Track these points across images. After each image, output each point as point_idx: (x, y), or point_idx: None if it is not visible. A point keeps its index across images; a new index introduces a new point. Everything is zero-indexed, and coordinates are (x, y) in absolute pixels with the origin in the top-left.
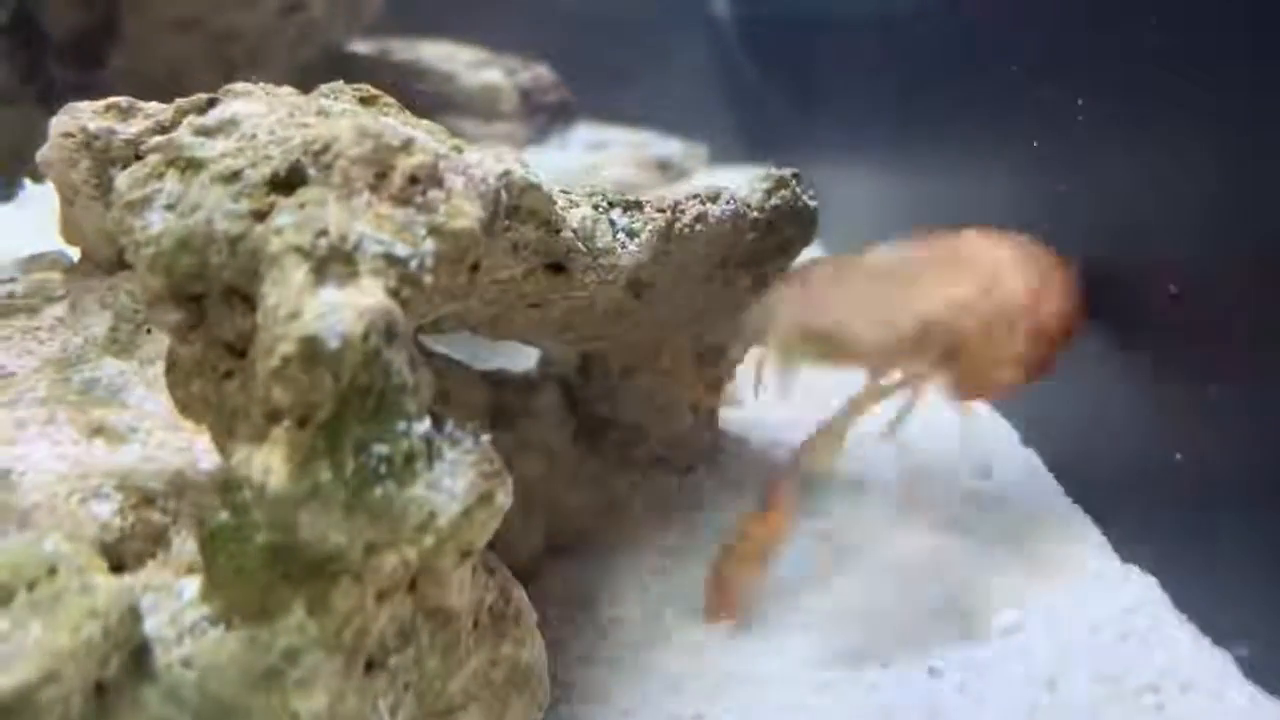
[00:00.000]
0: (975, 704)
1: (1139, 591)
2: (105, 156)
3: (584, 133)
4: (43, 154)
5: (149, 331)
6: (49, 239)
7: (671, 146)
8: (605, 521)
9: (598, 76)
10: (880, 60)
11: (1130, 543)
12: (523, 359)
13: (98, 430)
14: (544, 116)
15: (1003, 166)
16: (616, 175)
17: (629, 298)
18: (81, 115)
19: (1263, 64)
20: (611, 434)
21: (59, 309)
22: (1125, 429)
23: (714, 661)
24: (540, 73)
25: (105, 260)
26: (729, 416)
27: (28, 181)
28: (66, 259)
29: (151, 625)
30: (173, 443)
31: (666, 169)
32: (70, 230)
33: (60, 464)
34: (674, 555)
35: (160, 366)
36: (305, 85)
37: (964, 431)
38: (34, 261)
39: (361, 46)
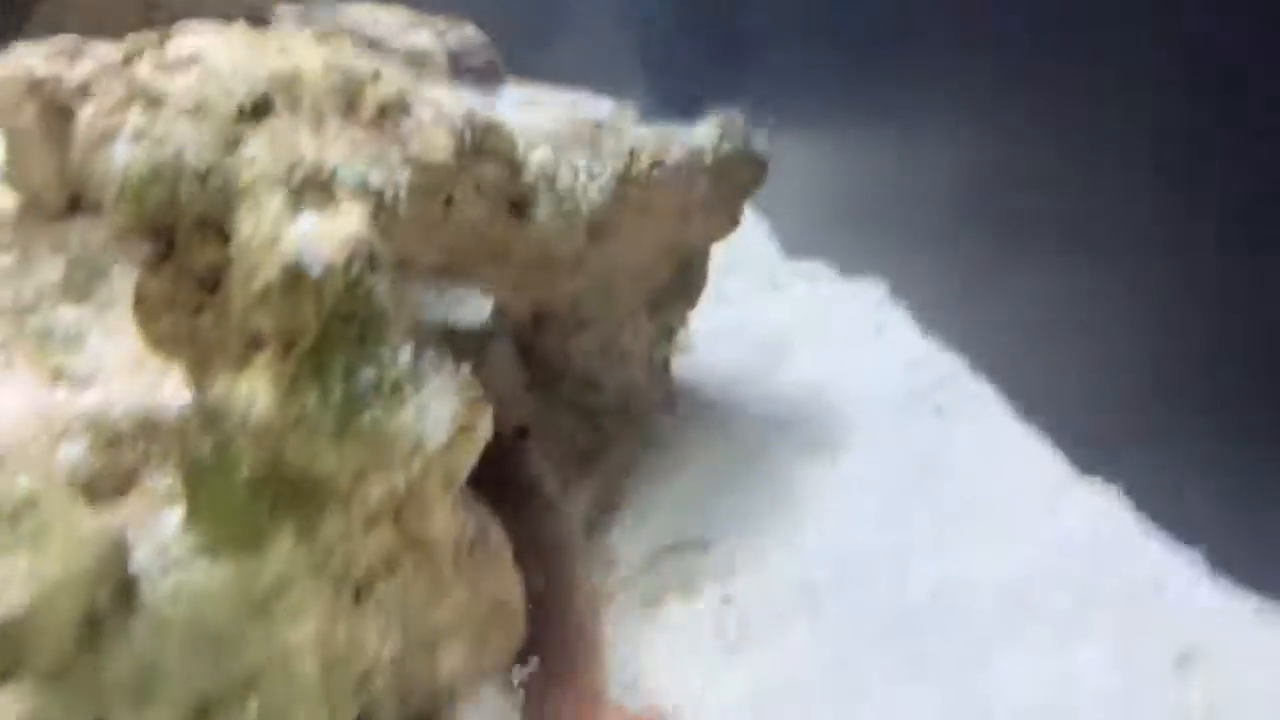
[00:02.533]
0: (952, 618)
1: (1102, 503)
2: (53, 100)
3: (513, 92)
4: None
5: (105, 276)
6: None
7: (603, 106)
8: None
9: (522, 35)
10: (821, 15)
11: (1089, 456)
12: (470, 312)
13: (58, 375)
14: (472, 79)
15: (954, 136)
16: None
17: (588, 245)
18: (26, 58)
19: None
20: (565, 385)
21: (7, 258)
22: (1072, 342)
23: None
24: (468, 34)
25: (55, 208)
26: (681, 363)
27: None
28: (4, 211)
29: (136, 559)
30: (137, 386)
31: (598, 129)
32: (18, 177)
33: (23, 408)
34: (633, 503)
35: (119, 312)
36: None
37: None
38: None
39: (286, 10)
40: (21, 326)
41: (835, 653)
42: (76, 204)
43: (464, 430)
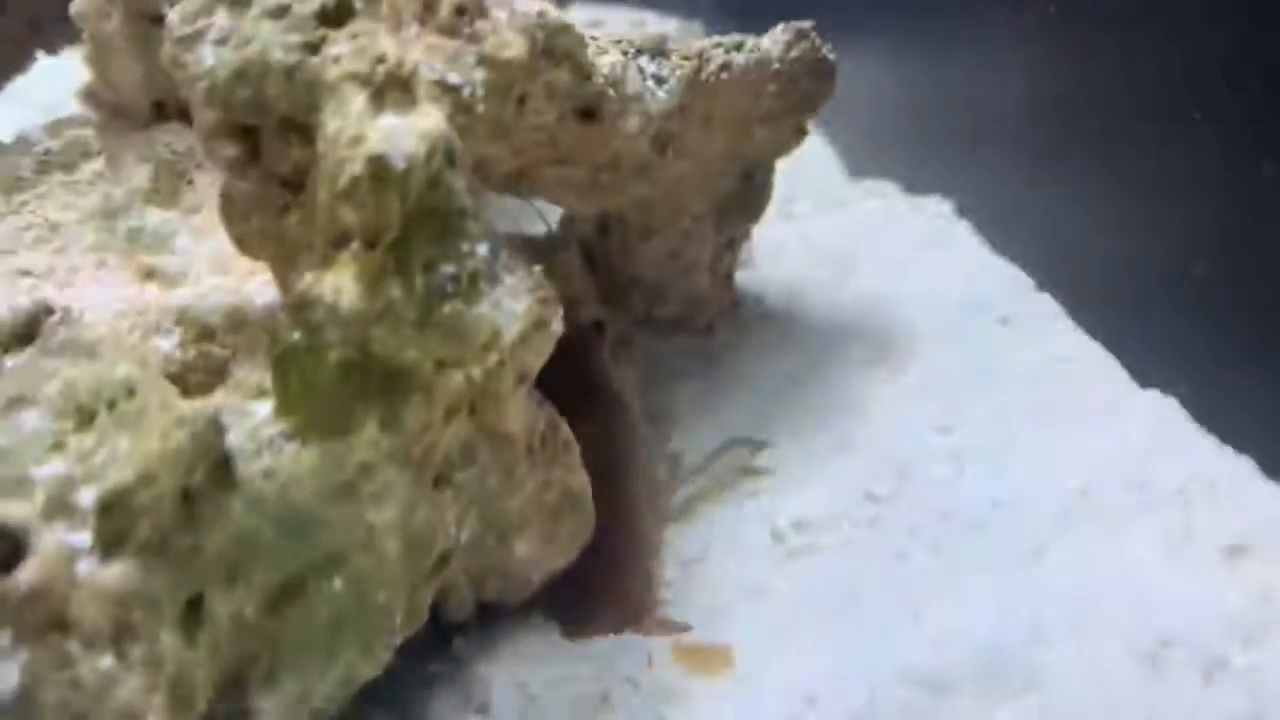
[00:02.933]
0: (1010, 514)
1: (1160, 412)
2: (138, 6)
3: (579, 12)
4: (76, 7)
5: (190, 182)
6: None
7: (668, 25)
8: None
9: None
10: None
11: (1148, 368)
12: (539, 225)
13: (149, 274)
14: None
15: (1020, 54)
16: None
17: (654, 152)
18: None
19: None
20: (631, 294)
21: (96, 164)
22: (1134, 260)
23: None
24: None
25: (141, 113)
26: (745, 276)
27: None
28: (94, 119)
29: (231, 441)
30: (224, 284)
31: (664, 40)
32: (103, 86)
33: (118, 303)
34: (696, 407)
35: (205, 214)
36: None
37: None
38: (62, 123)
39: None
40: (113, 229)
41: (891, 554)
42: (161, 111)
43: (537, 325)
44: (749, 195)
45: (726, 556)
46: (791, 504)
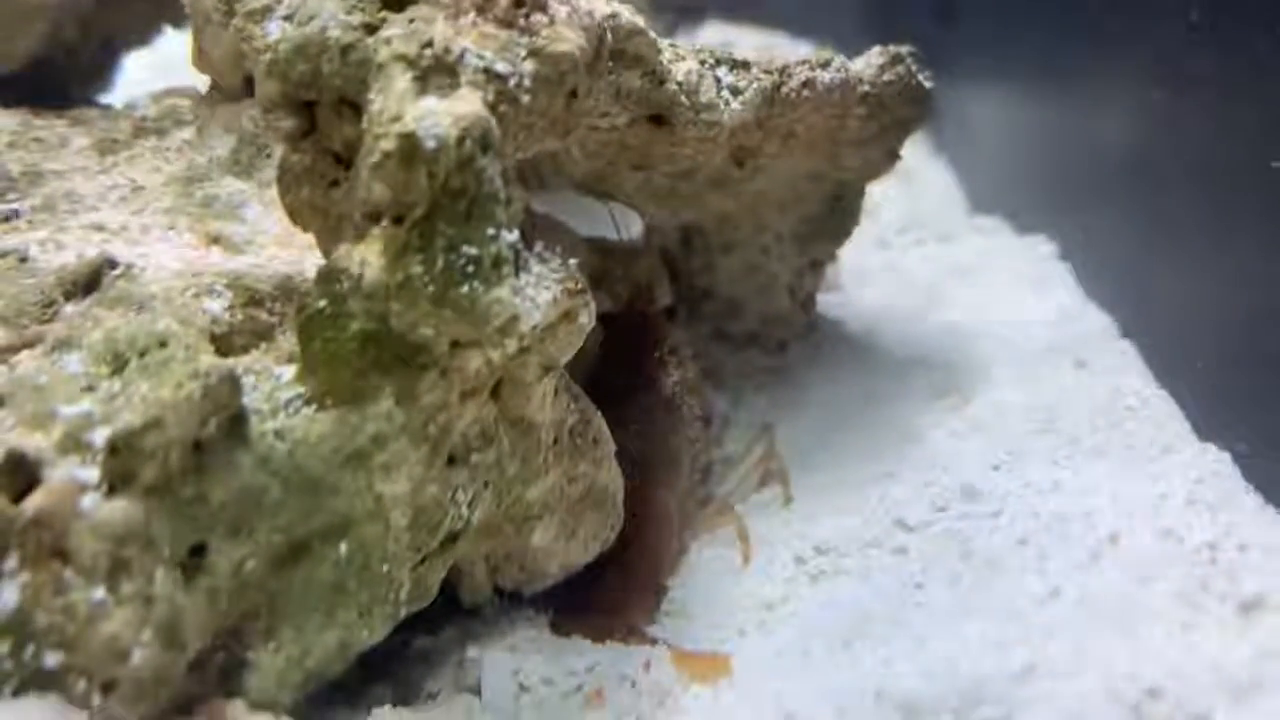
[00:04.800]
0: (1037, 555)
1: (1211, 466)
2: None
3: (711, 32)
4: None
5: (268, 156)
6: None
7: (799, 49)
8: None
9: None
10: None
11: (1210, 424)
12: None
13: (215, 239)
14: (673, 14)
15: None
16: None
17: (732, 165)
18: None
19: None
20: (708, 306)
21: (187, 132)
22: (1218, 319)
23: None
24: None
25: (231, 88)
26: (826, 300)
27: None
28: (197, 91)
29: (249, 400)
30: (284, 256)
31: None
32: (200, 58)
33: (178, 264)
34: (755, 423)
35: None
36: None
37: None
38: (167, 93)
39: None
40: (190, 194)
41: (909, 584)
42: (251, 85)
43: (565, 317)
44: (835, 218)
45: (748, 573)
46: (823, 527)
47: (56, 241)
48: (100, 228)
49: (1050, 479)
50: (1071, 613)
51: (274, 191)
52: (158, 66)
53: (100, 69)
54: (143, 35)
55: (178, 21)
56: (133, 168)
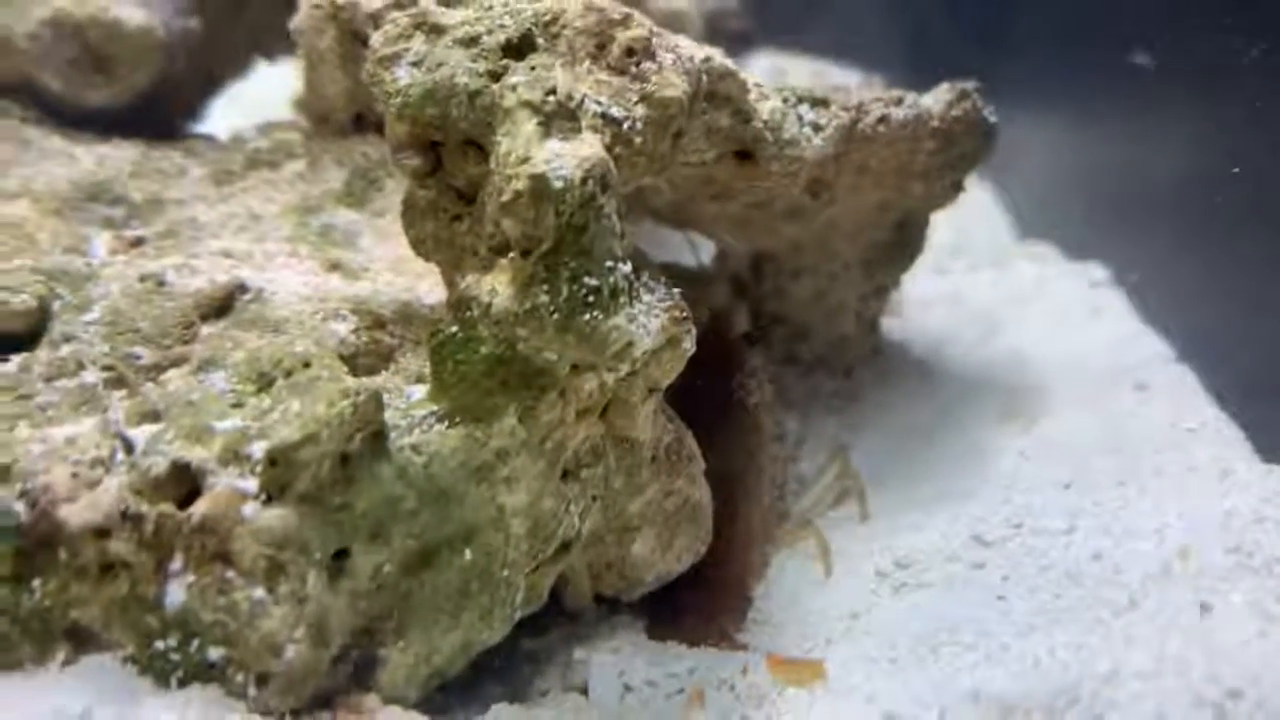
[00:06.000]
0: (1112, 569)
1: (1275, 486)
2: (350, 26)
3: (762, 61)
4: (295, 22)
5: (379, 189)
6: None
7: (848, 77)
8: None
9: (784, 5)
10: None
11: (1272, 446)
12: (694, 254)
13: (335, 266)
14: (724, 43)
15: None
16: None
17: (807, 196)
18: None
19: None
20: (778, 330)
21: (299, 165)
22: (1271, 346)
23: None
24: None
25: (343, 124)
26: (893, 325)
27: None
28: (302, 125)
29: (387, 417)
30: (399, 282)
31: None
32: (312, 95)
33: (304, 289)
34: (828, 445)
35: (389, 219)
36: None
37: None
38: (273, 126)
39: None
40: (307, 223)
41: (989, 595)
42: (361, 122)
43: (670, 342)
44: (900, 246)
45: (831, 584)
46: (902, 541)
47: (190, 266)
48: (228, 254)
49: (1119, 497)
50: (1149, 621)
51: (385, 221)
52: (232, 99)
53: (200, 101)
54: (240, 69)
55: (272, 56)
56: (249, 198)
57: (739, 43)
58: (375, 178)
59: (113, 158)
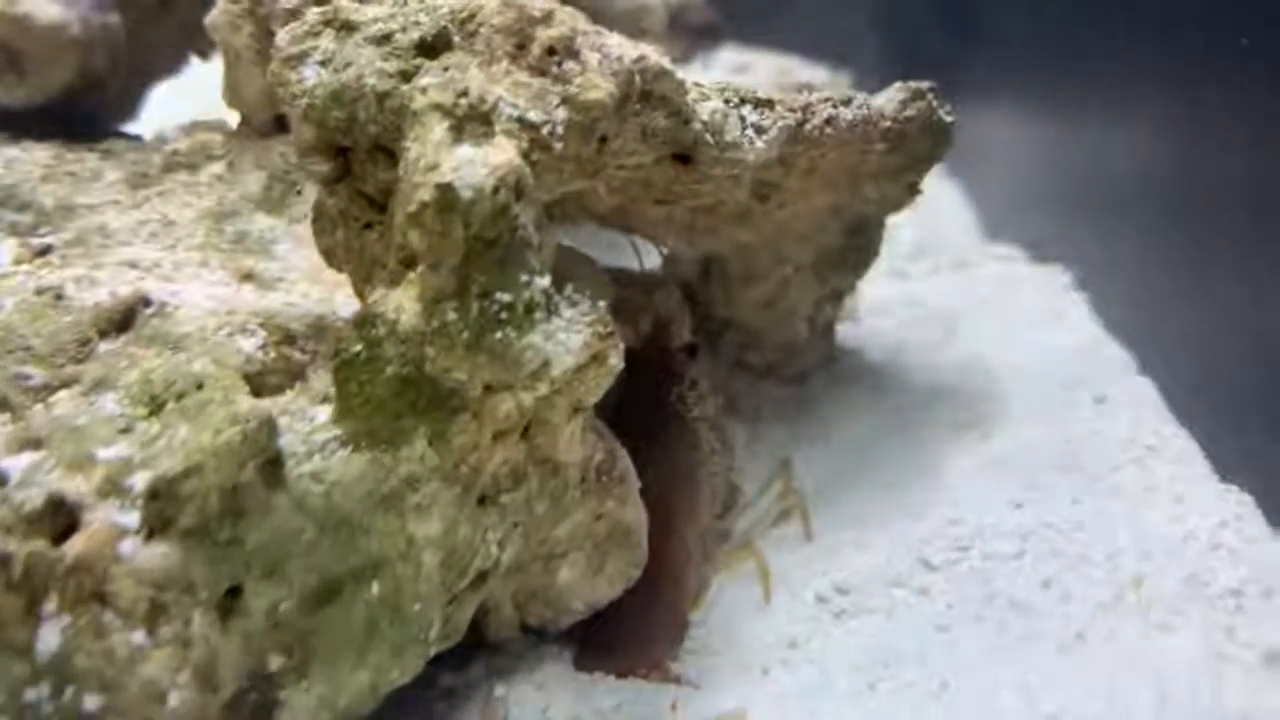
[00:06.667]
0: (1061, 597)
1: (1233, 508)
2: (266, 23)
3: (728, 55)
4: (210, 19)
5: (299, 192)
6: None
7: (816, 73)
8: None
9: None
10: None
11: (1232, 464)
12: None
13: (247, 276)
14: (690, 37)
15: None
16: None
17: (754, 200)
18: None
19: None
20: (728, 336)
21: (218, 167)
22: (1240, 356)
23: None
24: None
25: (263, 124)
26: (847, 330)
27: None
28: (227, 125)
29: (285, 442)
30: (315, 293)
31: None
32: (232, 95)
33: (211, 302)
34: (775, 456)
35: (307, 225)
36: None
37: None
38: (197, 126)
39: None
40: (221, 230)
41: (932, 625)
42: (282, 123)
43: (594, 360)
44: (854, 250)
45: (771, 610)
46: (845, 563)
47: (91, 278)
48: (134, 264)
49: (1072, 519)
50: (1096, 659)
51: (304, 228)
52: (182, 89)
53: (129, 99)
54: (171, 66)
55: (205, 53)
56: (165, 203)
57: (705, 37)
58: (295, 181)
59: (22, 160)
